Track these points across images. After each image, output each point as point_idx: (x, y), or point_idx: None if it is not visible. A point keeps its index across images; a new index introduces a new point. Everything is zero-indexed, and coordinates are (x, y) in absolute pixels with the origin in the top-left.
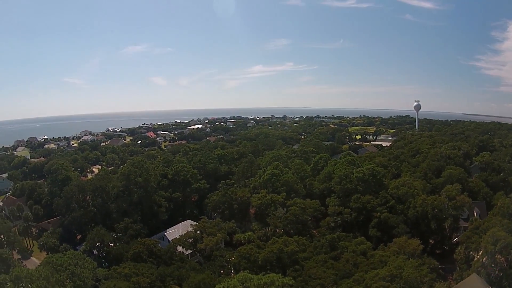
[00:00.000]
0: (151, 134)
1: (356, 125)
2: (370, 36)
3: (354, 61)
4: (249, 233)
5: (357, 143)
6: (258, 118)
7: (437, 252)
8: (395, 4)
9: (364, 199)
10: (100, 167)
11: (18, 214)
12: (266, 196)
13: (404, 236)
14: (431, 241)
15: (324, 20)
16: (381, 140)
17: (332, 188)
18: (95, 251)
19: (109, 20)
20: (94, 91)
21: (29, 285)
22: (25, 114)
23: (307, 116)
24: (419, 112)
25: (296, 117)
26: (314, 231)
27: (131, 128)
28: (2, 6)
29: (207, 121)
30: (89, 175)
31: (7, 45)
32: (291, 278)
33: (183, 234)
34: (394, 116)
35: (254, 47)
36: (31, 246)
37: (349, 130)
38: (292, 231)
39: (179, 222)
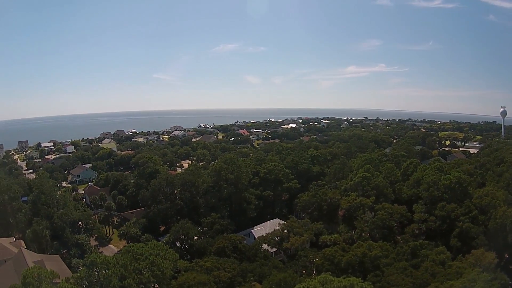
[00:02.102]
0: (244, 131)
1: (446, 130)
2: (456, 37)
3: (443, 63)
4: (335, 235)
5: (446, 149)
6: (351, 120)
7: (511, 267)
8: (478, 5)
9: (449, 207)
10: (190, 162)
11: (100, 203)
12: (355, 199)
13: (482, 248)
14: (506, 255)
15: (413, 20)
16: (469, 147)
17: (420, 194)
18: (178, 243)
19: (200, 19)
20: (185, 87)
21: (104, 271)
22: (112, 108)
23: (399, 119)
24: (505, 118)
25: (389, 120)
26: (398, 237)
27: (223, 125)
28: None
29: (301, 120)
30: (178, 170)
31: (96, 43)
32: (370, 283)
33: (270, 232)
34: (481, 122)
35: (347, 47)
36: (111, 234)
37: (439, 135)
38: (377, 235)
39: (268, 220)
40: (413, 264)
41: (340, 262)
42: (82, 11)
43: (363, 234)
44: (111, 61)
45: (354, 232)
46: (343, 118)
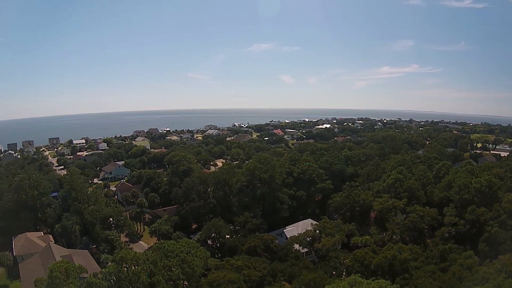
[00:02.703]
0: (278, 131)
1: (478, 132)
2: (486, 37)
3: (474, 64)
4: (366, 236)
5: (478, 151)
6: (385, 121)
7: None
8: (507, 4)
9: (479, 211)
10: (224, 161)
11: (132, 200)
12: (388, 201)
13: (508, 254)
14: None
15: (444, 20)
16: (499, 150)
17: (451, 197)
18: (209, 242)
19: (233, 18)
20: (220, 87)
21: (133, 267)
22: (146, 106)
23: (432, 121)
24: None
25: (422, 121)
26: (429, 240)
27: (258, 124)
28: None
29: (335, 121)
30: (212, 168)
31: (132, 42)
32: (399, 286)
33: (302, 232)
34: None
35: (380, 47)
36: (141, 231)
37: (471, 137)
38: (407, 238)
39: (300, 220)
40: (442, 268)
41: (370, 264)
42: (118, 13)
43: (394, 237)
44: (145, 60)
45: (385, 234)
46: (377, 119)
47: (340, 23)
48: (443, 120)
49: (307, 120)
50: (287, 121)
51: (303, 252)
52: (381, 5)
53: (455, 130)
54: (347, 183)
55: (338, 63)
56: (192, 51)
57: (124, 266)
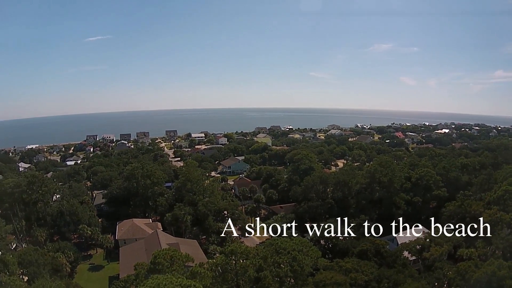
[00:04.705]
0: (399, 134)
1: None
2: None
3: None
4: (472, 249)
5: None
6: (500, 128)
7: None
8: None
9: None
10: (345, 161)
11: (249, 195)
12: (496, 214)
13: None
14: None
15: None
16: None
17: None
18: (322, 242)
19: (353, 19)
20: (341, 86)
21: (242, 261)
22: (269, 103)
23: None
24: None
25: None
26: None
27: (380, 126)
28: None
29: (453, 126)
30: (333, 168)
31: (257, 42)
32: None
33: (413, 239)
34: None
35: (493, 49)
36: (256, 226)
37: None
38: (509, 254)
39: (413, 227)
40: None
41: (470, 279)
42: (243, 17)
43: (497, 252)
44: (270, 59)
45: (489, 248)
46: (492, 125)
47: (453, 24)
48: None
49: (427, 124)
50: (408, 124)
51: (411, 260)
52: (489, 3)
53: None
54: (461, 192)
55: (456, 65)
56: (314, 50)
57: (233, 259)
